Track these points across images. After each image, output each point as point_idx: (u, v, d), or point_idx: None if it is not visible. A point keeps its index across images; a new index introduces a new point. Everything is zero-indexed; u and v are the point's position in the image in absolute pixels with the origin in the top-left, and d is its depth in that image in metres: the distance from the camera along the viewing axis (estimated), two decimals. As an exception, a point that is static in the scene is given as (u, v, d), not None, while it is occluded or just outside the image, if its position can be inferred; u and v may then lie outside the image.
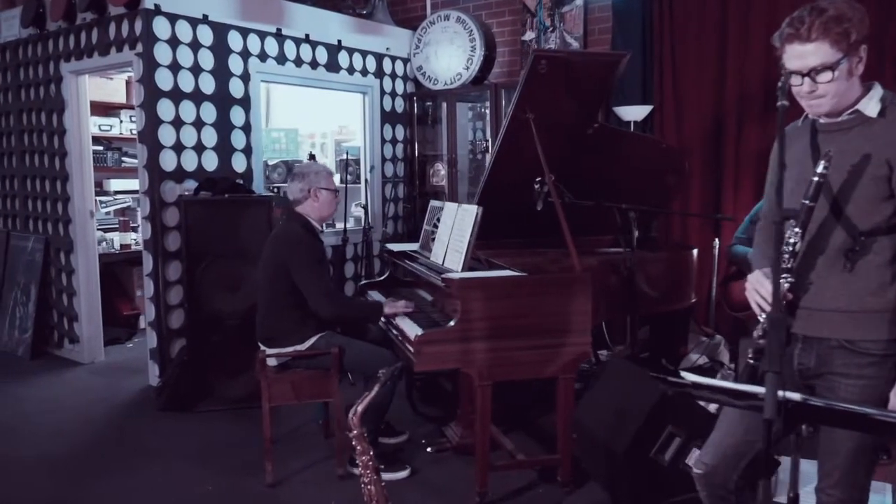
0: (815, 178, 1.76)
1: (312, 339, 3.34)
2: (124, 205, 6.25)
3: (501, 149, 3.53)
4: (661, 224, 4.99)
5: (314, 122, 7.16)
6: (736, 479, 1.99)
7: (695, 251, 3.83)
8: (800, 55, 1.84)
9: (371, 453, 2.06)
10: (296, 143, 7.28)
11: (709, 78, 4.88)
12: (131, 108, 6.16)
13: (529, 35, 5.76)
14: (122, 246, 5.91)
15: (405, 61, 6.08)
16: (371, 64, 5.82)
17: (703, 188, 4.94)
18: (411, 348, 2.92)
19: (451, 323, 2.90)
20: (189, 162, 4.62)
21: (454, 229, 3.34)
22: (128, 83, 6.12)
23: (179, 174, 4.58)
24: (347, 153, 5.63)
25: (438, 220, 3.57)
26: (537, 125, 3.34)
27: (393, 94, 6.04)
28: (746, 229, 3.76)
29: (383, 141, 5.99)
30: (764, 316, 1.89)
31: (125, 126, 6.17)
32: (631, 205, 3.56)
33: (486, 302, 2.91)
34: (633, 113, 4.94)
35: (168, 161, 4.52)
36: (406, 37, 6.03)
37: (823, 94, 1.84)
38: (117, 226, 5.96)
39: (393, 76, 6.03)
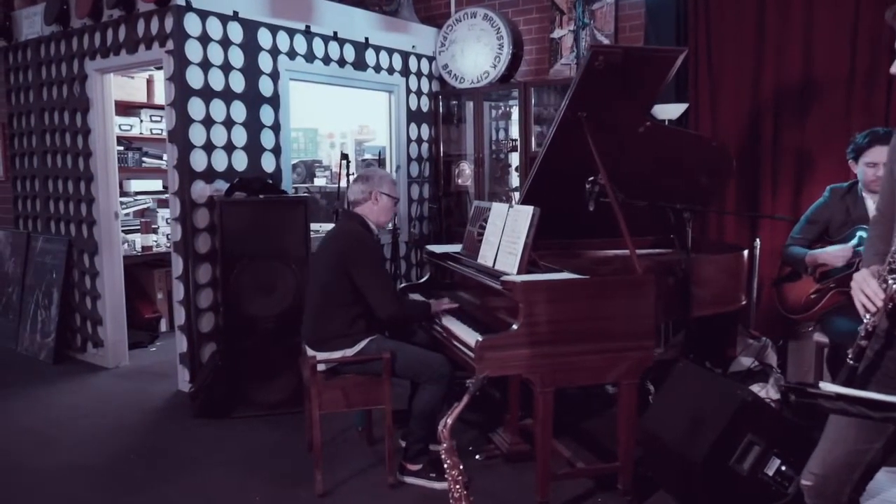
0: None
1: (363, 343, 3.24)
2: (145, 206, 6.14)
3: (550, 148, 3.45)
4: (697, 224, 4.90)
5: (334, 122, 7.08)
6: (849, 493, 1.90)
7: (745, 252, 3.75)
8: None
9: (461, 467, 1.97)
10: (315, 142, 7.21)
11: (746, 75, 4.79)
12: (152, 107, 6.10)
13: (558, 32, 5.68)
14: (143, 248, 5.81)
15: (430, 59, 5.99)
16: (397, 62, 5.73)
17: (739, 187, 4.86)
18: (472, 354, 2.82)
19: (514, 327, 2.81)
20: (220, 162, 4.52)
21: (506, 230, 3.25)
22: (149, 82, 6.02)
23: (210, 174, 4.48)
24: (380, 153, 5.55)
25: (486, 220, 3.48)
26: (590, 124, 3.26)
27: (418, 93, 5.95)
28: (803, 230, 3.67)
29: (409, 140, 5.90)
30: (868, 317, 1.80)
31: (146, 126, 6.06)
32: (682, 204, 3.48)
33: (548, 305, 2.82)
34: (668, 111, 4.85)
35: (199, 161, 4.42)
36: (431, 35, 5.94)
37: None
38: (138, 227, 5.86)
39: (418, 74, 5.94)
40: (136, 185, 6.08)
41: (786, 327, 4.20)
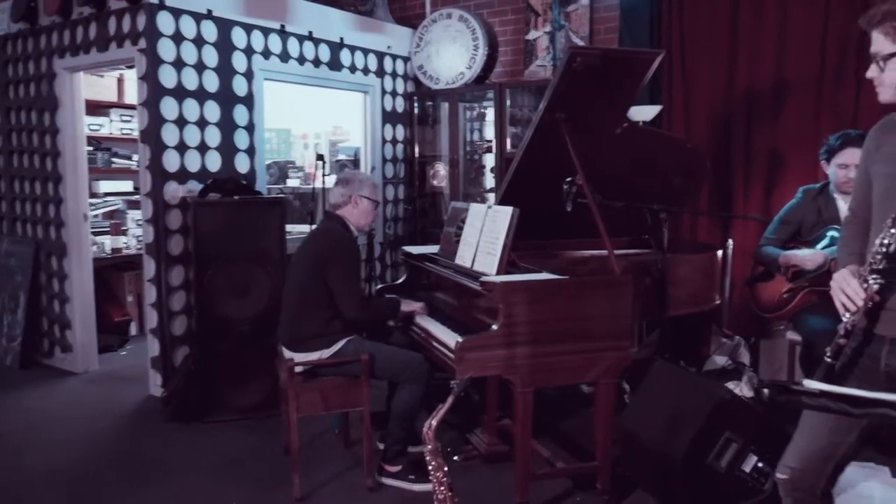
0: None
1: (340, 344, 3.22)
2: (114, 207, 6.03)
3: (528, 149, 3.46)
4: (671, 224, 4.95)
5: (308, 122, 7.03)
6: (823, 485, 1.93)
7: (719, 252, 3.79)
8: (871, 40, 1.87)
9: (446, 469, 1.95)
10: (288, 143, 7.14)
11: (719, 77, 4.85)
12: (122, 106, 6.00)
13: (533, 34, 5.69)
14: (113, 250, 5.70)
15: (405, 60, 5.97)
16: (372, 63, 5.70)
17: (712, 188, 4.91)
18: (452, 355, 2.81)
19: (494, 328, 2.80)
20: (193, 162, 4.46)
21: (484, 231, 3.25)
22: (119, 81, 5.92)
23: (183, 175, 4.41)
24: (355, 154, 5.50)
25: (463, 221, 3.48)
26: (567, 125, 3.27)
27: (394, 94, 5.93)
28: (776, 230, 3.72)
29: (384, 141, 5.87)
30: (848, 316, 1.83)
31: (115, 125, 5.96)
32: (658, 205, 3.51)
33: (528, 305, 2.82)
34: (642, 113, 4.89)
35: (171, 161, 4.35)
36: (407, 35, 5.93)
37: (881, 83, 1.86)
38: (108, 229, 5.75)
39: (394, 75, 5.92)
40: (105, 186, 5.97)
41: (758, 326, 4.26)
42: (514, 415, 2.92)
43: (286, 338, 3.31)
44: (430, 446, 1.94)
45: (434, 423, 1.94)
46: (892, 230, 1.76)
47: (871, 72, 1.88)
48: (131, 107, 6.02)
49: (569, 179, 3.38)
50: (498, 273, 3.01)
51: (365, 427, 3.22)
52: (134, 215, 5.93)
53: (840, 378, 1.90)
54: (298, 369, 3.17)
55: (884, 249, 1.78)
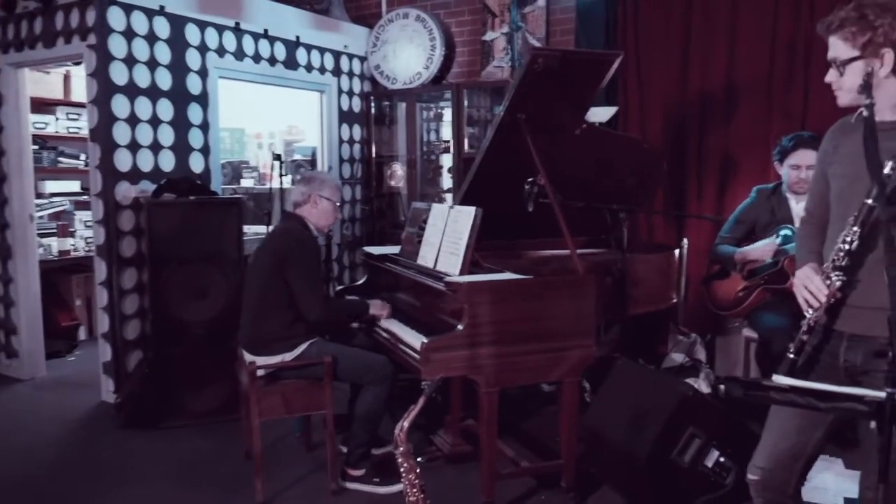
0: (885, 179, 1.74)
1: (302, 347, 3.18)
2: (61, 208, 5.84)
3: (489, 150, 3.46)
4: (628, 224, 5.02)
5: (262, 121, 6.93)
6: (794, 483, 1.97)
7: (676, 251, 3.86)
8: (829, 45, 1.91)
9: (418, 471, 1.94)
10: (241, 143, 7.03)
11: (673, 79, 4.94)
12: (69, 104, 5.82)
13: (490, 35, 5.71)
14: (60, 252, 5.53)
15: (362, 59, 5.93)
16: (329, 62, 5.65)
17: (666, 188, 4.99)
18: (417, 356, 2.80)
19: (459, 328, 2.80)
20: (145, 162, 4.35)
21: (447, 231, 3.25)
22: (66, 77, 5.74)
23: (135, 175, 4.30)
24: (312, 154, 5.43)
25: (425, 221, 3.47)
26: (528, 126, 3.29)
27: (350, 94, 5.88)
28: (731, 229, 3.81)
29: (341, 141, 5.82)
30: (811, 312, 1.88)
31: (62, 124, 5.77)
32: (617, 205, 3.56)
33: (493, 305, 2.83)
34: (598, 114, 4.93)
35: (123, 161, 4.24)
36: (363, 34, 5.88)
37: (839, 88, 1.90)
38: (55, 230, 5.57)
39: (350, 75, 5.87)
40: (51, 186, 5.79)
41: (713, 323, 4.36)
42: (480, 415, 2.91)
43: (247, 341, 3.25)
44: (402, 448, 1.92)
45: (406, 424, 1.93)
46: (854, 228, 1.81)
47: (830, 76, 1.92)
48: (78, 104, 5.87)
49: (530, 179, 3.40)
50: (461, 273, 3.01)
51: (328, 430, 3.18)
52: (82, 216, 5.76)
53: (802, 374, 1.95)
54: (260, 373, 3.11)
55: (846, 247, 1.82)
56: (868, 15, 1.80)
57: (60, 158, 5.77)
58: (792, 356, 1.91)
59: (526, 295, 2.89)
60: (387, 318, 3.40)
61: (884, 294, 1.86)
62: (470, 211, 3.10)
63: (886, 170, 1.74)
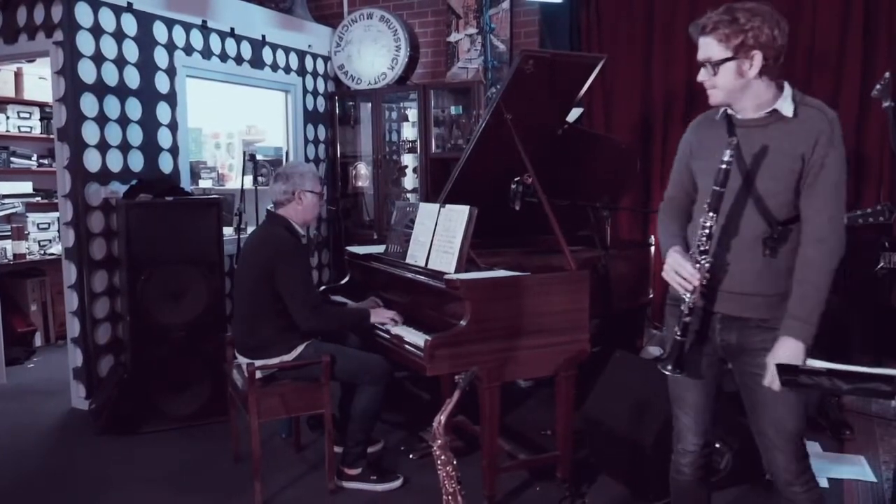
0: (723, 166, 1.89)
1: (300, 349, 3.16)
2: (13, 210, 5.62)
3: (475, 149, 3.52)
4: (610, 222, 5.15)
5: (220, 121, 6.80)
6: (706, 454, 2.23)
7: (652, 248, 4.00)
8: (700, 46, 2.00)
9: (455, 463, 1.98)
10: (199, 143, 6.88)
11: (636, 81, 5.10)
12: (20, 102, 5.61)
13: (455, 36, 5.78)
14: (15, 255, 5.32)
15: (326, 59, 5.90)
16: (294, 61, 5.60)
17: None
18: (421, 353, 2.83)
19: (462, 324, 2.84)
20: (114, 162, 4.24)
21: (438, 230, 3.28)
22: (17, 75, 5.53)
23: (104, 175, 4.19)
24: (276, 154, 5.36)
25: (412, 221, 3.49)
26: (515, 125, 3.35)
27: (315, 93, 5.85)
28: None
29: (306, 141, 5.78)
30: (689, 295, 1.97)
31: (13, 123, 5.56)
32: (600, 203, 3.67)
33: (494, 302, 2.89)
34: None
35: (92, 161, 4.12)
36: (327, 34, 5.86)
37: (713, 86, 2.00)
38: (9, 233, 5.36)
39: (314, 74, 5.84)
40: (2, 187, 5.56)
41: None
42: (481, 410, 2.96)
43: (243, 347, 3.21)
44: (439, 441, 1.96)
45: (443, 418, 1.97)
46: (710, 213, 1.93)
47: (702, 76, 2.01)
48: (30, 103, 5.68)
49: (517, 179, 3.48)
50: (457, 271, 3.05)
51: (327, 429, 3.18)
52: (35, 218, 5.55)
53: (690, 353, 2.05)
54: (259, 374, 3.09)
55: (707, 231, 1.93)
56: (739, 18, 1.90)
57: (13, 159, 5.56)
58: (679, 338, 2.00)
59: (526, 291, 2.95)
60: (397, 326, 3.22)
61: (756, 280, 2.00)
62: (464, 210, 3.14)
63: (726, 157, 1.88)
